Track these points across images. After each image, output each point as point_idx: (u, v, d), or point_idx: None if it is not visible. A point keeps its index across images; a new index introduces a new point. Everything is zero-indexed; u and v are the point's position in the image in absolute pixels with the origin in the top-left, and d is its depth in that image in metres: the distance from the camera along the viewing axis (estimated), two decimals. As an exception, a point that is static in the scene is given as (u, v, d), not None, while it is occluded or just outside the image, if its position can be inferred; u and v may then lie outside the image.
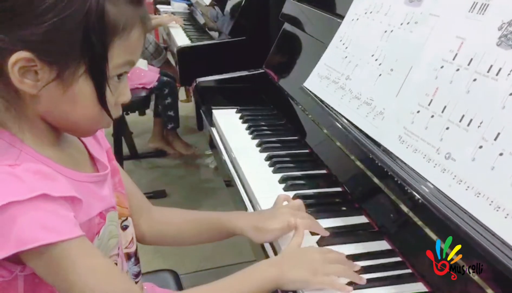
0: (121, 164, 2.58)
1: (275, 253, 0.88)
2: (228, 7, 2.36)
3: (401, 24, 0.99)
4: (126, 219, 0.84)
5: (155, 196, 2.47)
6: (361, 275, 0.77)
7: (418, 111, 0.85)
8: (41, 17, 0.58)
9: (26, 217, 0.59)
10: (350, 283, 0.75)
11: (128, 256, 0.85)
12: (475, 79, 0.76)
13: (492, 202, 0.65)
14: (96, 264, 0.65)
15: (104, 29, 0.61)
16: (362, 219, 0.94)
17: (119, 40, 0.63)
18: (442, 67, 0.83)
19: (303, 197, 0.99)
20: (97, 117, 0.67)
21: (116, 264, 0.77)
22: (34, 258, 0.61)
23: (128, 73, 0.69)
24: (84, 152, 0.77)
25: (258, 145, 1.26)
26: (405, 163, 0.83)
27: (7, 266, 0.64)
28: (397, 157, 0.85)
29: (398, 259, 0.82)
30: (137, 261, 0.88)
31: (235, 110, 1.50)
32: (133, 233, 0.86)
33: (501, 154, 0.67)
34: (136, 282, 0.88)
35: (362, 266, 0.79)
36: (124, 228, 0.84)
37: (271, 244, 0.90)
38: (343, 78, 1.11)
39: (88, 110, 0.65)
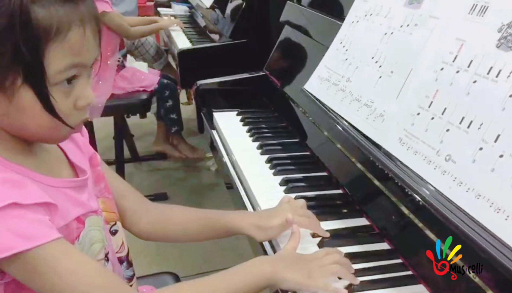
0: (122, 167, 2.58)
1: (276, 255, 0.88)
2: (228, 10, 2.36)
3: (401, 26, 0.99)
4: (115, 223, 0.84)
5: (156, 198, 2.47)
6: (361, 278, 0.76)
7: (418, 113, 0.85)
8: None
9: None
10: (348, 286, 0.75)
11: (120, 260, 0.85)
12: (475, 81, 0.76)
13: (492, 203, 0.65)
14: (77, 264, 0.64)
15: (33, 34, 0.57)
16: (363, 221, 0.94)
17: (54, 44, 0.59)
18: (442, 69, 0.83)
19: (304, 199, 0.99)
20: (53, 125, 0.64)
21: None
22: (11, 265, 0.60)
23: (78, 76, 0.64)
24: (62, 158, 0.76)
25: (259, 147, 1.26)
26: (405, 165, 0.83)
27: None
28: (398, 159, 0.85)
29: (399, 261, 0.82)
30: (129, 265, 0.88)
31: (236, 112, 1.50)
32: (123, 237, 0.86)
33: (501, 156, 0.67)
34: (130, 286, 0.87)
35: (362, 268, 0.79)
36: (113, 232, 0.83)
37: (272, 246, 0.90)
38: (344, 80, 1.11)
39: (39, 119, 0.62)
